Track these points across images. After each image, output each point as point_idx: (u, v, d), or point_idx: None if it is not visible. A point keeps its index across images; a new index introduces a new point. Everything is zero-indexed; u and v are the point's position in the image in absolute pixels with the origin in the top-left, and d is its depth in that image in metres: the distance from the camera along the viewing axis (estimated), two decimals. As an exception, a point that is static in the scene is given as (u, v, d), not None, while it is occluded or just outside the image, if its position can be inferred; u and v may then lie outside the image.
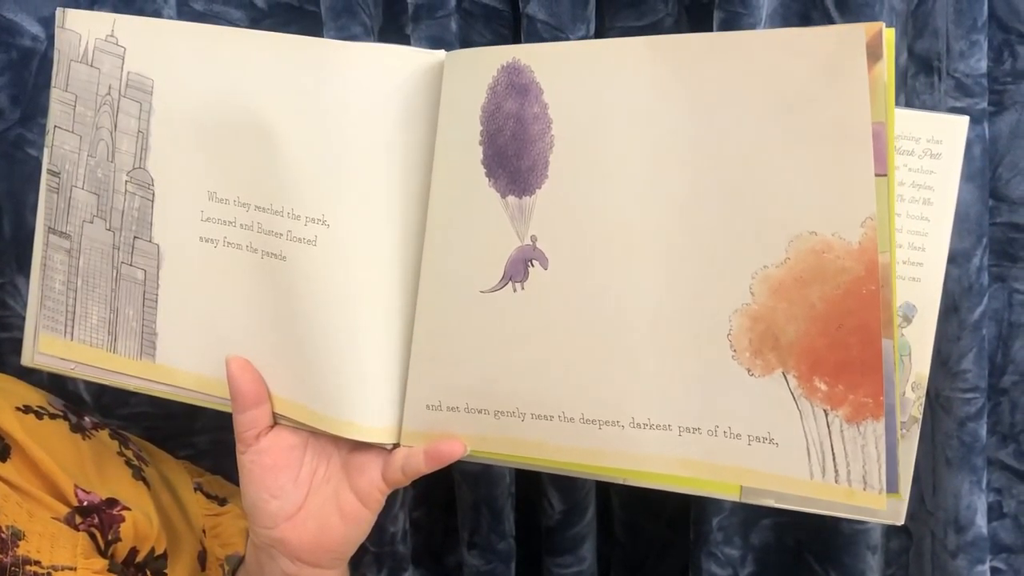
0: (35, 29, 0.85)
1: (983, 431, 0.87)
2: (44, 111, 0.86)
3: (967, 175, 0.84)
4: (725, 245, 0.60)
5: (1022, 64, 0.88)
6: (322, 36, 0.85)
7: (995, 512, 0.95)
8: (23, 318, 0.78)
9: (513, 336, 0.65)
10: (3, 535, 0.64)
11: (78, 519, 0.69)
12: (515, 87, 0.63)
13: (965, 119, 0.74)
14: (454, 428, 0.68)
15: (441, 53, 0.67)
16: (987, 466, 0.89)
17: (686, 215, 0.60)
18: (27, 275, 0.79)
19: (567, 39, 0.84)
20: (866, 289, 0.57)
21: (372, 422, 0.68)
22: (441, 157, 0.66)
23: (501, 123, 0.64)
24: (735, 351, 0.61)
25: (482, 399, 0.67)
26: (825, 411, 0.59)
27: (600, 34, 0.88)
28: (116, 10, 0.85)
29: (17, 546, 0.64)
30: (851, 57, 0.54)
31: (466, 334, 0.66)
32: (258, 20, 0.88)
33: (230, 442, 0.71)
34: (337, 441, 0.70)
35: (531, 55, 0.63)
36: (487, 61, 0.64)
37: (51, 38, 0.85)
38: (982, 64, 0.83)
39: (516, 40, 0.88)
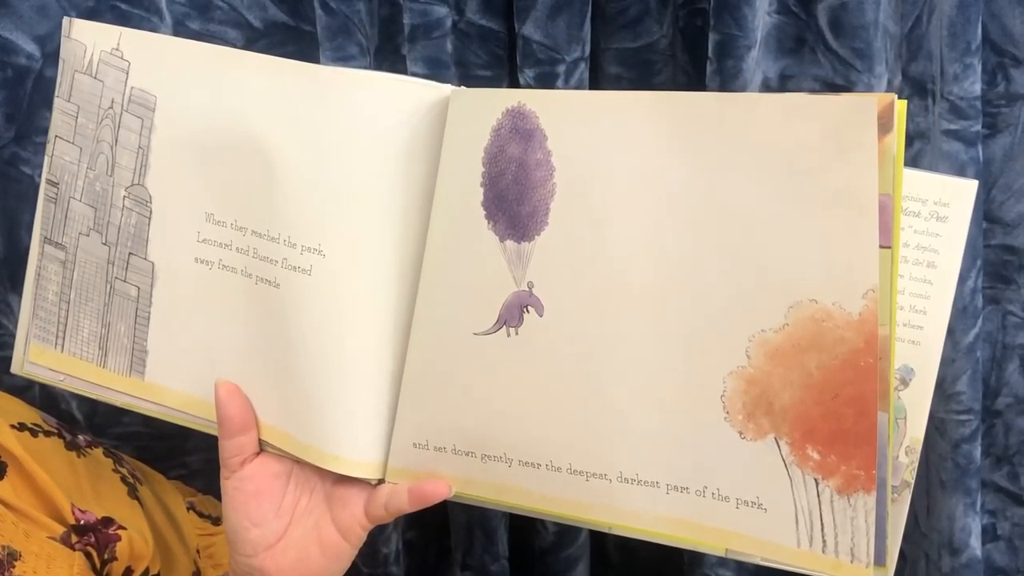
0: (30, 48, 0.85)
1: (977, 453, 0.87)
2: (39, 130, 0.86)
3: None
4: (723, 305, 0.59)
5: (1016, 87, 0.88)
6: (318, 56, 0.85)
7: (989, 534, 0.95)
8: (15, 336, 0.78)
9: (504, 381, 0.65)
10: None
11: (74, 538, 0.68)
12: (519, 132, 0.63)
13: (974, 183, 0.73)
14: (440, 468, 0.67)
15: (447, 88, 0.66)
16: (981, 488, 0.89)
17: (685, 273, 0.60)
18: (20, 293, 0.78)
19: (563, 60, 0.84)
20: (864, 361, 0.56)
21: (358, 456, 0.68)
22: (441, 195, 0.66)
23: (503, 166, 0.64)
24: (728, 413, 0.60)
25: (470, 441, 0.66)
26: (816, 480, 0.58)
27: (595, 55, 0.88)
28: (112, 29, 0.85)
29: (13, 567, 0.64)
30: (862, 127, 0.54)
31: (457, 375, 0.66)
32: (254, 40, 0.88)
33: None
34: (321, 473, 0.69)
35: (536, 101, 0.63)
36: (492, 103, 0.64)
37: (47, 57, 0.85)
38: (976, 87, 0.84)
39: (512, 60, 0.88)
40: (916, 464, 0.72)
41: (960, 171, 0.84)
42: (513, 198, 0.63)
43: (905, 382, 0.72)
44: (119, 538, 0.71)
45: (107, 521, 0.71)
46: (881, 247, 0.55)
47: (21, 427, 0.72)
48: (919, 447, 0.72)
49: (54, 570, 0.65)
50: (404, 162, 0.67)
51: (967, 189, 0.73)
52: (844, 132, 0.55)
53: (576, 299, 0.62)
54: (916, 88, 0.88)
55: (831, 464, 0.58)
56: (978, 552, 0.88)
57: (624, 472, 0.63)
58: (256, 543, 0.69)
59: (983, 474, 0.91)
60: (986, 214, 0.88)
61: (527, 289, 0.64)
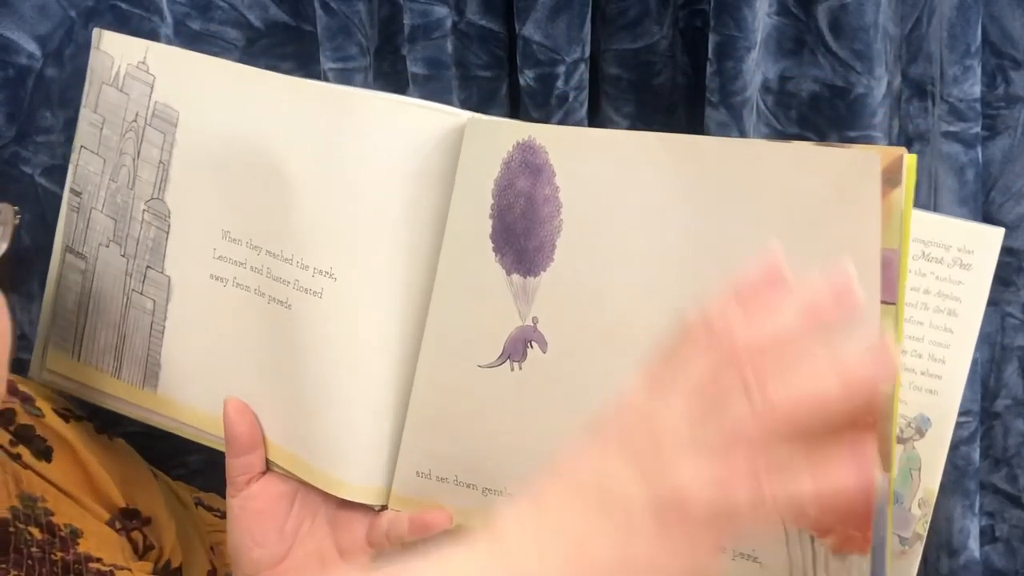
0: (31, 47, 0.85)
1: (976, 455, 0.87)
2: (40, 129, 0.86)
3: (960, 199, 0.85)
4: None
5: (1015, 89, 0.88)
6: (318, 56, 0.85)
7: (987, 536, 0.95)
8: (16, 336, 0.78)
9: (507, 415, 0.64)
10: (62, 533, 0.64)
11: (118, 524, 0.69)
12: (529, 166, 0.63)
13: (1000, 231, 0.70)
14: (442, 498, 0.67)
15: (465, 115, 0.66)
16: (980, 490, 0.89)
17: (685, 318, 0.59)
18: (20, 293, 0.79)
19: (563, 61, 0.84)
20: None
21: (362, 482, 0.68)
22: (452, 225, 0.65)
23: (512, 200, 0.63)
24: None
25: (471, 473, 0.66)
26: (812, 538, 0.57)
27: (595, 56, 0.88)
28: (112, 28, 0.85)
29: (77, 544, 0.64)
30: (866, 182, 0.52)
31: (461, 406, 0.65)
32: (254, 40, 0.88)
33: (224, 462, 0.71)
34: (325, 496, 0.69)
35: (547, 136, 0.63)
36: (504, 135, 0.64)
37: (47, 56, 0.85)
38: (976, 89, 0.84)
39: (512, 61, 0.88)
40: (929, 517, 0.70)
41: (960, 173, 0.84)
42: (521, 232, 0.63)
43: (921, 432, 0.69)
44: (150, 522, 0.71)
45: (139, 510, 0.71)
46: (884, 303, 0.53)
47: (56, 412, 0.73)
48: (933, 499, 0.70)
49: (111, 550, 0.66)
50: (418, 189, 0.66)
51: (993, 237, 0.70)
52: (848, 186, 0.53)
53: (579, 337, 0.62)
54: (916, 90, 0.88)
55: (827, 522, 0.56)
56: (976, 554, 0.88)
57: None
58: (258, 563, 0.69)
59: (982, 476, 0.91)
60: (985, 216, 0.88)
61: (532, 324, 0.63)
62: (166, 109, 0.71)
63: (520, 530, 0.46)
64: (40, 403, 0.71)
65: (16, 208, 0.66)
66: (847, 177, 0.53)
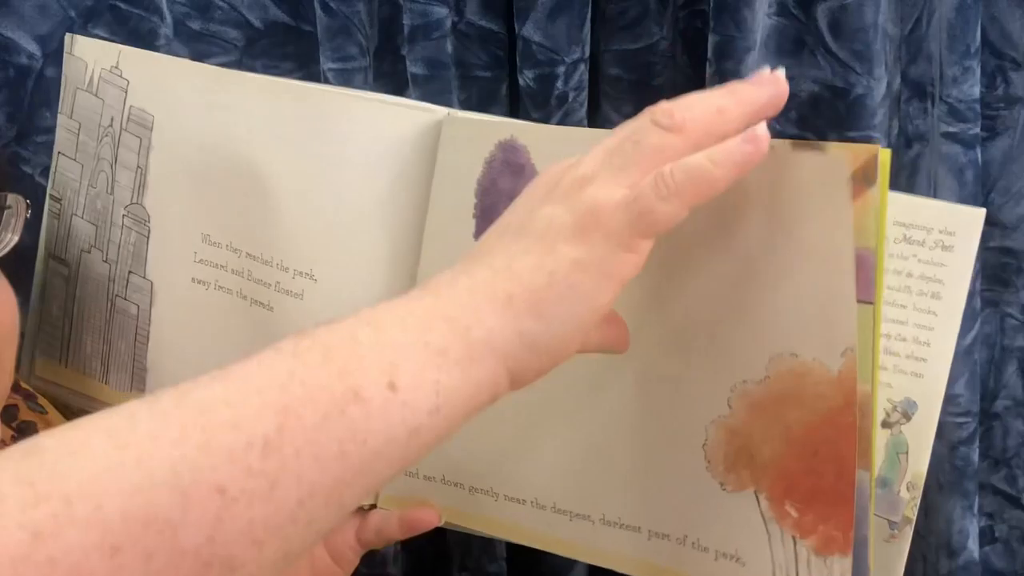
0: (32, 47, 0.85)
1: (975, 455, 0.87)
2: (40, 129, 0.87)
3: (960, 199, 0.85)
4: (706, 353, 0.58)
5: (1015, 90, 0.88)
6: (318, 56, 0.85)
7: (987, 537, 0.95)
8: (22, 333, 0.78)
9: (492, 416, 0.63)
10: None
11: None
12: (511, 166, 0.62)
13: (981, 211, 0.69)
14: (430, 497, 0.67)
15: (442, 111, 0.66)
16: (979, 491, 0.89)
17: (668, 318, 0.58)
18: (19, 292, 0.78)
19: (562, 61, 0.84)
20: (844, 420, 0.53)
21: None
22: (433, 224, 0.65)
23: (495, 199, 0.63)
24: (709, 462, 0.58)
25: (458, 473, 0.66)
26: (794, 538, 0.56)
27: (595, 56, 0.88)
28: (111, 28, 0.85)
29: None
30: (838, 181, 0.51)
31: None
32: (254, 40, 0.88)
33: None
34: None
35: (528, 135, 0.62)
36: (485, 134, 0.63)
37: (47, 56, 0.85)
38: (975, 90, 0.84)
39: (511, 61, 0.88)
40: (918, 500, 0.69)
41: (959, 174, 0.84)
42: None
43: (907, 416, 0.69)
44: None
45: None
46: (862, 302, 0.52)
47: (57, 410, 0.73)
48: (921, 483, 0.69)
49: None
50: (396, 188, 0.66)
51: (974, 217, 0.69)
52: (820, 185, 0.52)
53: None
54: (915, 90, 0.88)
55: (809, 523, 0.56)
56: (976, 554, 0.88)
57: (607, 515, 0.62)
58: None
59: (981, 476, 0.91)
60: (985, 217, 0.88)
61: None
62: (141, 113, 0.71)
63: (451, 273, 0.50)
64: (43, 400, 0.71)
65: (28, 201, 0.67)
66: (821, 176, 0.52)
